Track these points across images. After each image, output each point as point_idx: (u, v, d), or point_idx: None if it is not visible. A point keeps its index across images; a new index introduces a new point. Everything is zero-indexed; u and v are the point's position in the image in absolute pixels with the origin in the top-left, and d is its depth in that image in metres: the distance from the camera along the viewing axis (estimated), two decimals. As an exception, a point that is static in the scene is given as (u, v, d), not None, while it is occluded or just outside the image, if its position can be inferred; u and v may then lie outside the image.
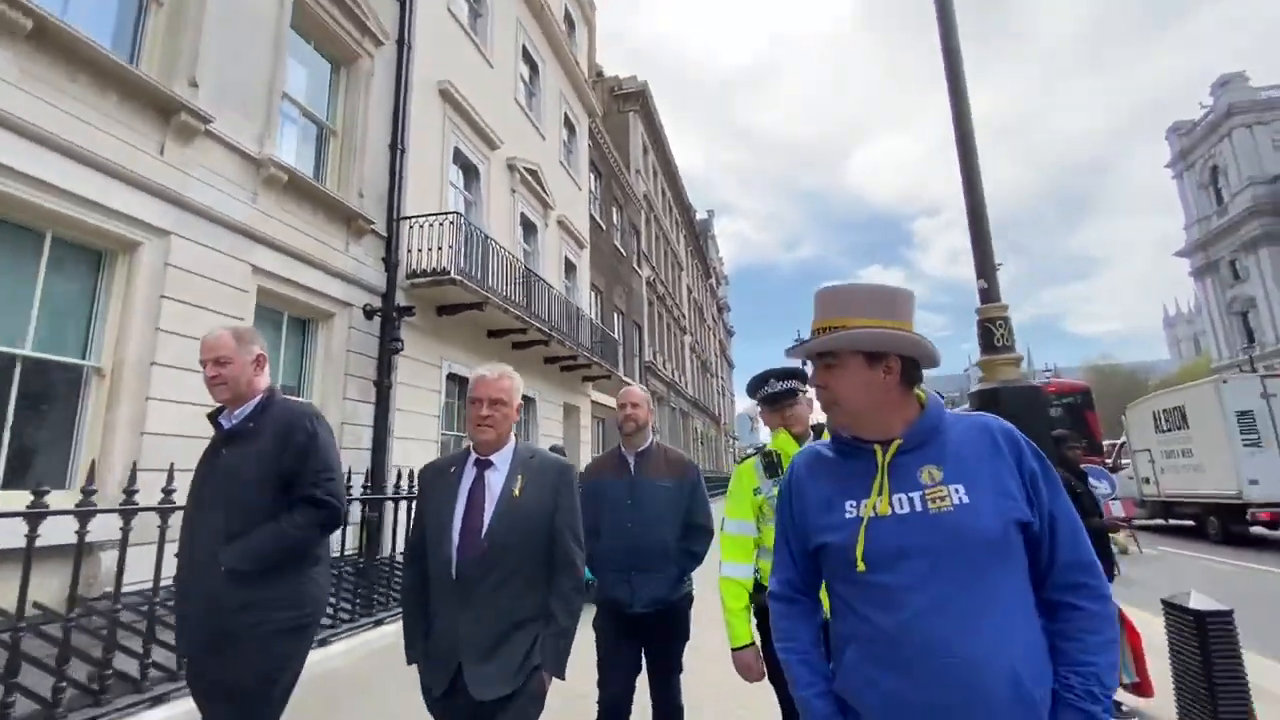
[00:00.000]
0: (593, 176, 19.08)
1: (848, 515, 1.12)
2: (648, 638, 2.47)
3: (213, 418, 2.11)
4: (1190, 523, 12.14)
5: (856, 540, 1.08)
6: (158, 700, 3.17)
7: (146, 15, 5.72)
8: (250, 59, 6.48)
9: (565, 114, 16.24)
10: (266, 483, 1.93)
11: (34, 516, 2.76)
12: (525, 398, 11.99)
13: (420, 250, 8.66)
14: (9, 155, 4.34)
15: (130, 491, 3.24)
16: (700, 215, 49.46)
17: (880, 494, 1.10)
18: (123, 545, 3.20)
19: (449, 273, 8.41)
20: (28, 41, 4.49)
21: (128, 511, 3.21)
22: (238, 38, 6.34)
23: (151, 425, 5.13)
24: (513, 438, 1.94)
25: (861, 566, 1.07)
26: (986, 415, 1.18)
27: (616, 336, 18.42)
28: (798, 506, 1.23)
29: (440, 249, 8.64)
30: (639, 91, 26.44)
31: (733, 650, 2.04)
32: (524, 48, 13.74)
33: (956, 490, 1.06)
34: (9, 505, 3.27)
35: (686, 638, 2.57)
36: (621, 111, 26.17)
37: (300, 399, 1.53)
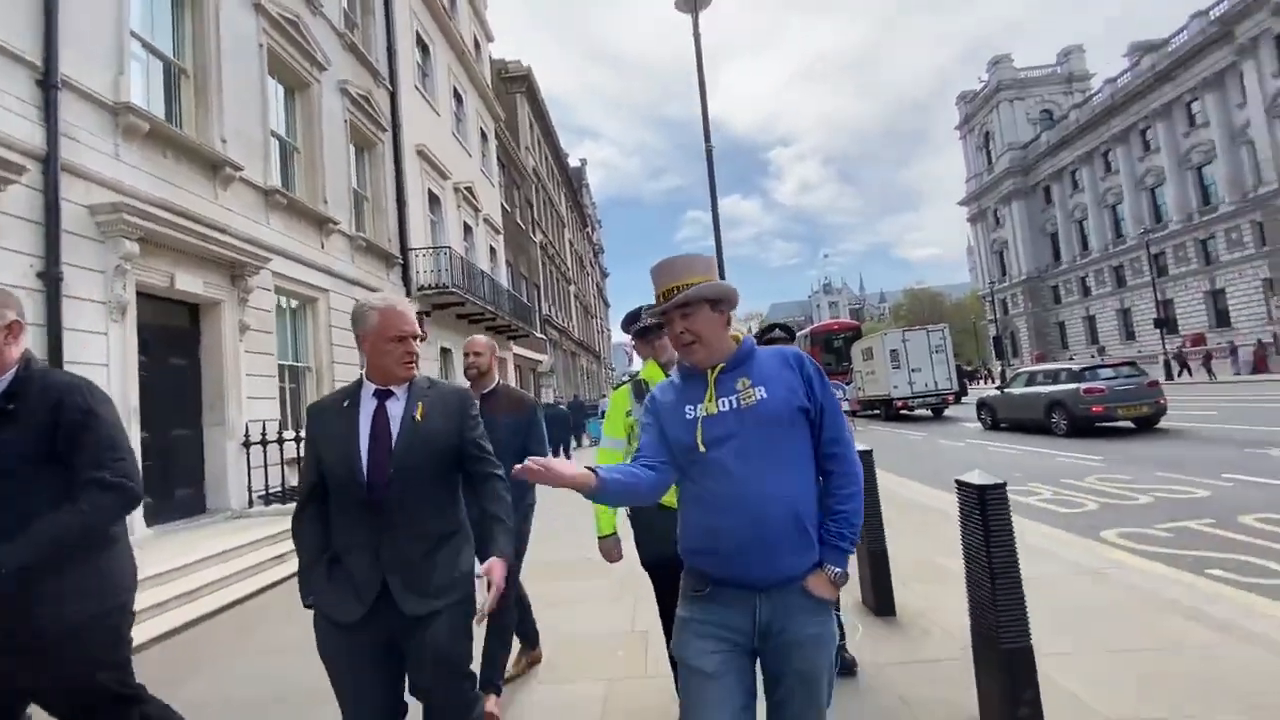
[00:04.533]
0: (499, 168, 23.29)
1: (688, 417, 1.57)
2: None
3: None
4: (876, 411, 21.15)
5: (696, 430, 1.55)
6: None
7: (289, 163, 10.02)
8: (341, 170, 10.83)
9: (480, 128, 20.39)
10: (39, 469, 1.69)
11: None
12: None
13: (422, 271, 13.38)
14: (287, 269, 8.91)
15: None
16: (574, 164, 53.35)
17: (711, 400, 1.57)
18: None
19: (448, 287, 13.30)
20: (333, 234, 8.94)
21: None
22: (337, 161, 10.70)
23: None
24: None
25: (702, 448, 1.52)
26: (785, 347, 1.72)
27: (525, 300, 23.39)
28: (659, 414, 1.65)
29: (436, 271, 13.43)
30: (524, 75, 30.02)
31: (599, 538, 2.47)
32: (454, 88, 17.76)
33: (759, 390, 1.54)
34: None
35: (525, 542, 3.14)
36: (509, 92, 29.68)
37: (69, 371, 1.94)
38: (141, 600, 4.39)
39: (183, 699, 2.17)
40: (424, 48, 15.74)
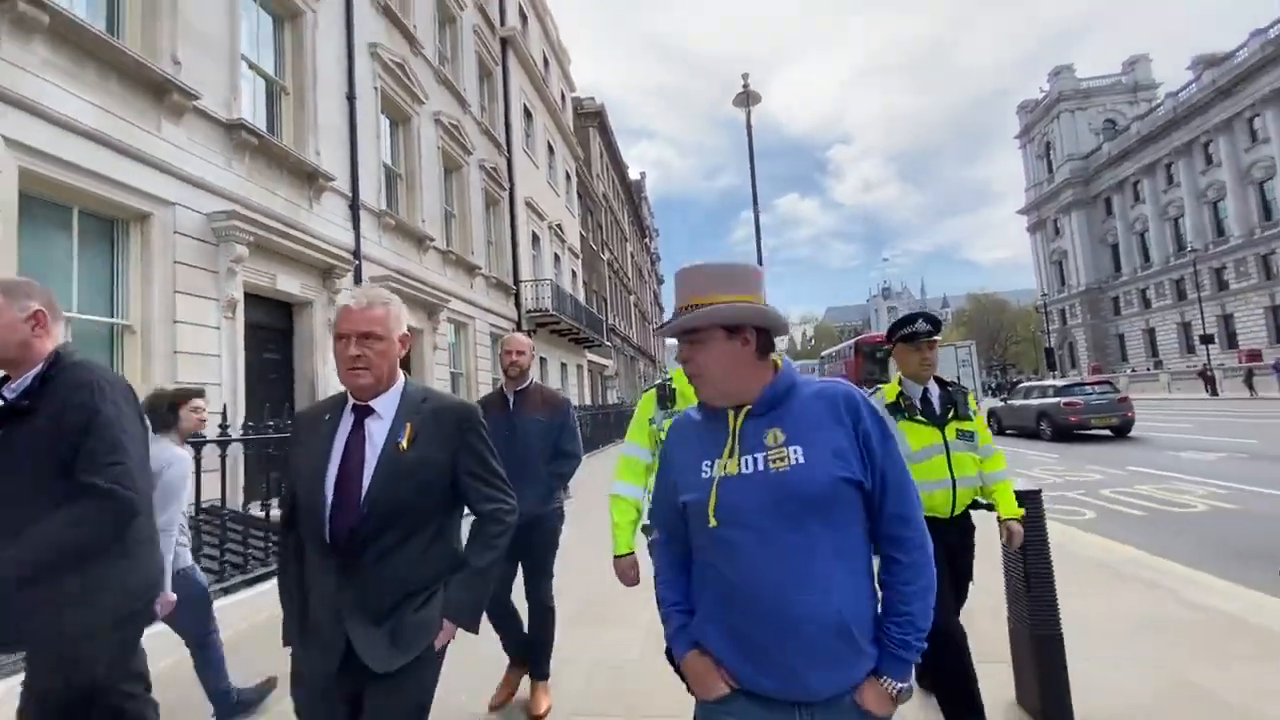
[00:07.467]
0: (578, 199, 27.06)
1: (704, 476, 1.23)
2: (521, 546, 2.68)
3: None
4: (908, 417, 23.61)
5: (709, 498, 1.20)
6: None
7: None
8: (481, 227, 14.58)
9: (566, 171, 24.18)
10: (45, 473, 1.58)
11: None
12: (558, 362, 20.66)
13: (529, 298, 17.14)
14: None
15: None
16: (634, 176, 56.93)
17: (731, 456, 1.21)
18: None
19: (547, 310, 17.01)
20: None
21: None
22: (478, 220, 14.48)
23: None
24: (401, 377, 1.62)
25: (713, 522, 1.19)
26: (835, 382, 1.27)
27: (596, 313, 27.07)
28: (673, 466, 1.33)
29: (538, 297, 17.16)
30: (597, 111, 33.80)
31: (614, 557, 2.19)
32: (548, 142, 21.56)
33: (795, 451, 1.16)
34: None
35: (555, 546, 3.04)
36: (584, 126, 33.49)
37: (103, 366, 1.73)
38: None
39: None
40: (528, 114, 19.54)
